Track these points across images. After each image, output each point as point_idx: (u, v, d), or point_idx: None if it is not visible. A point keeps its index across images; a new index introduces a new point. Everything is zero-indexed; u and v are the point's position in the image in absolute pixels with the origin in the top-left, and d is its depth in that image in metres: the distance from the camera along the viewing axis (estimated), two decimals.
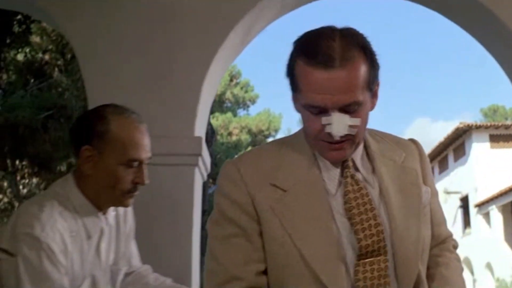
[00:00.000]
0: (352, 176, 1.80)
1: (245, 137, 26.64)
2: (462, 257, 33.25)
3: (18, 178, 13.13)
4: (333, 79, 1.64)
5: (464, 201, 34.60)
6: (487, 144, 33.63)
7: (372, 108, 1.81)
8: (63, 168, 11.67)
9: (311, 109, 1.71)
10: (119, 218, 2.44)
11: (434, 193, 1.99)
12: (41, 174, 11.67)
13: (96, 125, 2.22)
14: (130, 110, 2.34)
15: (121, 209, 2.45)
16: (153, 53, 4.26)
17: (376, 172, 1.86)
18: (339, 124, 1.67)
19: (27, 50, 11.29)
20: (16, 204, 14.07)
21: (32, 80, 11.41)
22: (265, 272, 1.80)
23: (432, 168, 39.50)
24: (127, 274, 2.60)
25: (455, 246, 2.06)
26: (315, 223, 1.74)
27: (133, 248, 2.63)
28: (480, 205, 32.19)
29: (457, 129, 33.17)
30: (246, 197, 1.79)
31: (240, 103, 29.40)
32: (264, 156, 1.88)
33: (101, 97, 4.11)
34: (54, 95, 10.11)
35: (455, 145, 35.74)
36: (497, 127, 33.10)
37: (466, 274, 34.97)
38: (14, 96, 10.19)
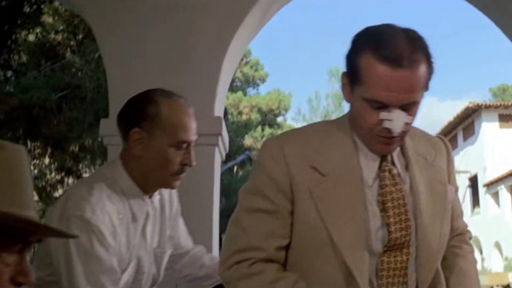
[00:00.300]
0: (390, 171, 1.89)
1: (255, 116, 26.63)
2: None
3: (30, 159, 13.16)
4: (400, 78, 1.71)
5: (473, 181, 34.57)
6: (496, 124, 33.54)
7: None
8: (75, 148, 11.72)
9: (373, 103, 1.77)
10: (164, 202, 2.49)
11: (456, 189, 2.08)
12: (54, 155, 11.72)
13: (147, 108, 2.27)
14: (177, 94, 2.39)
15: (165, 193, 2.50)
16: (173, 35, 4.29)
17: (409, 168, 1.94)
18: (398, 121, 1.75)
19: (39, 30, 11.29)
20: None
21: (44, 61, 11.42)
22: (286, 248, 1.89)
23: None
24: (180, 255, 2.67)
25: (470, 238, 2.16)
26: (348, 210, 1.82)
27: (181, 228, 2.68)
28: (489, 185, 32.17)
29: (467, 109, 33.06)
30: (285, 176, 1.86)
31: (250, 82, 29.35)
32: (308, 137, 1.93)
33: (120, 79, 4.17)
34: (68, 76, 10.12)
35: (464, 125, 35.64)
36: (506, 107, 32.97)
37: (475, 253, 35.35)
38: (27, 77, 10.22)
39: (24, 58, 11.53)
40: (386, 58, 1.71)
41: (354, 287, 1.78)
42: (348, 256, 1.79)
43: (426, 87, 1.80)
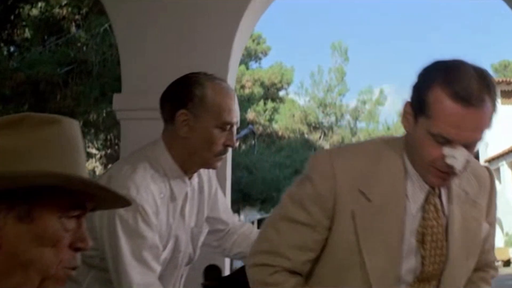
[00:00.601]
0: (435, 205, 1.91)
1: (258, 90, 26.67)
2: None
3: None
4: (469, 117, 1.73)
5: (475, 156, 34.44)
6: (498, 100, 33.51)
7: None
8: (80, 123, 11.74)
9: (439, 138, 1.77)
10: (203, 183, 2.55)
11: (493, 223, 2.09)
12: None
13: (193, 91, 2.31)
14: (219, 77, 2.46)
15: (204, 174, 2.55)
16: (185, 9, 4.29)
17: (450, 202, 1.94)
18: (461, 159, 1.75)
19: (42, 5, 11.24)
20: None
21: (48, 36, 11.38)
22: (315, 260, 1.96)
23: None
24: (229, 234, 2.74)
25: (493, 276, 2.16)
26: (386, 238, 1.86)
27: (221, 204, 2.73)
28: (490, 161, 32.30)
29: None
30: (330, 193, 1.89)
31: (252, 56, 29.33)
32: (359, 157, 1.95)
33: (132, 53, 4.19)
34: (73, 51, 10.11)
35: None
36: (508, 83, 33.02)
37: None
38: (32, 52, 10.20)
39: (27, 33, 11.50)
40: (457, 95, 1.73)
41: None
42: (376, 284, 1.84)
43: (488, 128, 1.81)
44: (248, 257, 2.07)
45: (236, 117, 2.38)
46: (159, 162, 2.33)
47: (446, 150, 1.76)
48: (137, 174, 2.23)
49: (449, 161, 1.76)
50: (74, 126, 1.33)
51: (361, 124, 46.12)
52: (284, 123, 33.63)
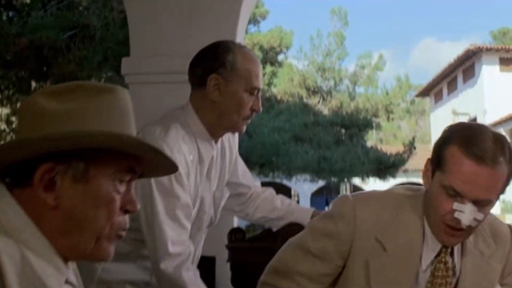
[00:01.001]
0: (445, 263, 2.00)
1: (257, 54, 26.57)
2: None
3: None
4: (481, 174, 1.83)
5: None
6: (497, 67, 33.50)
7: None
8: None
9: (450, 190, 1.88)
10: (225, 149, 2.67)
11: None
12: None
13: (224, 56, 2.42)
14: (245, 46, 2.60)
15: (226, 140, 2.67)
16: None
17: (462, 261, 2.03)
18: (469, 214, 1.84)
19: None
20: None
21: (48, 1, 11.29)
22: None
23: (441, 89, 39.59)
24: (252, 199, 2.87)
25: None
26: None
27: (241, 168, 2.86)
28: None
29: (467, 51, 32.93)
30: (348, 237, 2.01)
31: (251, 19, 29.19)
32: (382, 207, 2.06)
33: (140, 17, 4.22)
34: (76, 15, 10.06)
35: (464, 67, 35.56)
36: (507, 50, 32.86)
37: None
38: (34, 17, 10.15)
39: None
40: (472, 152, 1.83)
41: None
42: None
43: (502, 191, 1.90)
44: (265, 272, 2.21)
45: (262, 83, 2.51)
46: (188, 124, 2.43)
47: (456, 205, 1.87)
48: (170, 135, 2.33)
49: (456, 214, 1.86)
50: (126, 95, 1.40)
51: (359, 89, 46.10)
52: (282, 87, 33.62)
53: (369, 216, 2.02)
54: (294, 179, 21.69)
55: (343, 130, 21.21)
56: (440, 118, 38.92)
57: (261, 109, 2.51)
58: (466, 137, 1.88)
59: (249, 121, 2.53)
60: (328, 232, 2.06)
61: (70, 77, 9.45)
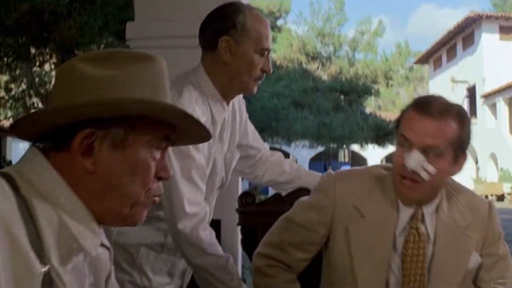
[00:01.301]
0: (417, 229, 2.11)
1: None
2: None
3: (36, 67, 13.05)
4: (426, 123, 2.01)
5: (471, 91, 34.72)
6: (497, 36, 33.41)
7: (451, 173, 2.12)
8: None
9: (401, 140, 2.07)
10: (235, 112, 2.70)
11: (502, 257, 2.21)
12: (64, 60, 11.70)
13: (235, 18, 2.44)
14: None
15: (236, 103, 2.71)
16: None
17: (437, 230, 2.14)
18: (414, 159, 2.00)
19: None
20: (32, 92, 14.06)
21: None
22: (308, 259, 2.24)
23: (440, 56, 39.50)
24: (261, 162, 2.93)
25: None
26: (376, 255, 2.10)
27: (250, 131, 2.90)
28: (487, 96, 32.36)
29: (467, 18, 32.81)
30: (330, 209, 2.17)
31: None
32: (361, 180, 2.21)
33: None
34: None
35: (464, 34, 35.44)
36: (507, 19, 32.75)
37: (470, 162, 35.52)
38: None
39: None
40: (420, 108, 2.04)
41: None
42: None
43: (454, 146, 2.03)
44: (260, 245, 2.32)
45: (271, 44, 2.54)
46: (201, 87, 2.46)
47: (405, 154, 2.03)
48: (184, 97, 2.36)
49: (403, 161, 2.02)
50: (164, 63, 1.40)
51: (359, 55, 45.96)
52: (282, 52, 33.51)
53: (348, 188, 2.18)
54: (293, 144, 21.75)
55: (342, 96, 21.21)
56: (439, 86, 38.92)
57: (271, 70, 2.52)
58: (419, 101, 2.10)
59: (260, 82, 2.56)
60: (312, 205, 2.22)
61: (71, 43, 9.42)
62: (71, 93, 1.30)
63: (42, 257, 1.17)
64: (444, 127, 2.01)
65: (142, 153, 1.32)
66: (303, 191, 2.54)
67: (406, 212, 2.12)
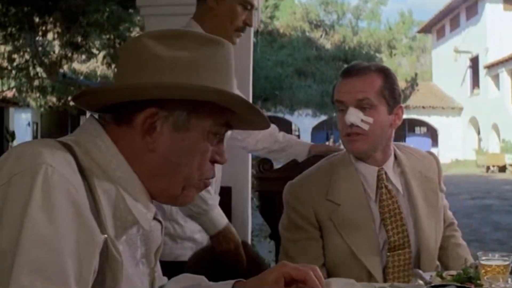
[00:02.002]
0: (386, 187, 2.32)
1: None
2: (469, 116, 33.81)
3: (39, 36, 12.96)
4: (350, 82, 2.28)
5: (474, 62, 34.58)
6: (500, 6, 33.19)
7: (392, 125, 2.33)
8: (84, 23, 11.57)
9: (338, 104, 2.31)
10: None
11: (443, 190, 2.52)
12: (70, 30, 11.65)
13: None
14: None
15: None
16: None
17: (406, 182, 2.37)
18: (351, 115, 2.24)
19: None
20: (36, 62, 13.97)
21: None
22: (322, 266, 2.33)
23: (443, 26, 39.27)
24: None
25: (457, 224, 2.60)
26: (361, 226, 2.28)
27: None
28: (489, 67, 32.24)
29: None
30: (310, 210, 2.32)
31: None
32: (319, 176, 2.38)
33: None
34: None
35: (467, 4, 35.21)
36: None
37: (472, 133, 35.32)
38: None
39: None
40: (345, 73, 2.32)
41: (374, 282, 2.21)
42: (366, 261, 2.25)
43: (384, 96, 2.27)
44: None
45: (256, 1, 2.79)
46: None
47: (344, 115, 2.26)
48: None
49: (344, 118, 2.25)
50: (232, 48, 1.41)
51: (362, 24, 45.73)
52: (285, 20, 33.30)
53: (314, 187, 2.34)
54: (296, 113, 21.75)
55: (345, 65, 21.12)
56: (442, 55, 38.78)
57: (253, 24, 2.79)
58: (344, 69, 2.38)
59: (241, 35, 2.79)
60: (296, 218, 2.33)
61: (77, 11, 9.37)
62: (139, 71, 1.31)
63: (101, 226, 1.20)
64: (368, 81, 2.26)
65: (201, 137, 1.34)
66: (318, 157, 2.58)
67: (370, 176, 2.32)
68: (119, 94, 1.31)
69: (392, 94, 2.28)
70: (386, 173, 2.32)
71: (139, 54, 1.32)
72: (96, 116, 1.39)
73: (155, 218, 1.43)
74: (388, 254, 2.28)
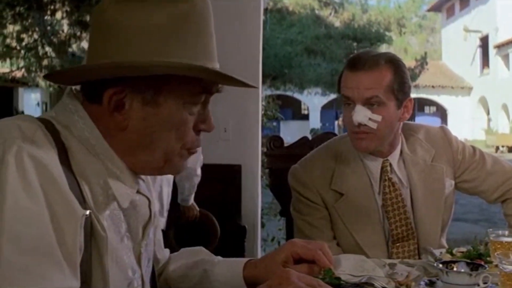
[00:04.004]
0: (390, 179, 2.29)
1: None
2: (479, 96, 33.69)
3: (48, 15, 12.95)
4: (358, 77, 2.15)
5: (484, 41, 34.36)
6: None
7: (401, 119, 2.26)
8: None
9: (345, 100, 2.21)
10: None
11: (480, 160, 2.44)
12: (80, 8, 11.64)
13: None
14: None
15: None
16: None
17: (408, 173, 2.32)
18: (359, 114, 2.15)
19: None
20: (44, 42, 13.97)
21: None
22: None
23: (453, 4, 38.97)
24: None
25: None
26: (366, 217, 2.28)
27: None
28: (499, 46, 32.04)
29: None
30: (317, 195, 2.32)
31: None
32: (325, 162, 2.35)
33: None
34: None
35: None
36: None
37: (481, 113, 35.19)
38: None
39: None
40: (350, 65, 2.19)
41: None
42: (370, 253, 2.19)
43: (393, 91, 2.17)
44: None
45: None
46: None
47: (352, 112, 2.16)
48: None
49: (351, 118, 2.16)
50: (205, 3, 1.30)
51: (372, 1, 45.51)
52: None
53: (319, 174, 2.32)
54: (305, 92, 21.72)
55: (355, 44, 21.06)
56: (451, 34, 38.53)
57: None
58: (351, 59, 2.23)
59: None
60: (305, 203, 2.34)
61: None
62: (105, 46, 1.25)
63: (82, 202, 1.18)
64: (377, 76, 2.15)
65: (175, 108, 1.28)
66: (330, 134, 2.59)
67: (375, 168, 2.29)
68: (81, 75, 1.28)
69: (401, 88, 2.18)
70: (391, 165, 2.29)
71: (101, 24, 1.26)
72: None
73: (140, 193, 1.39)
74: (392, 246, 2.28)
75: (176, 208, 3.74)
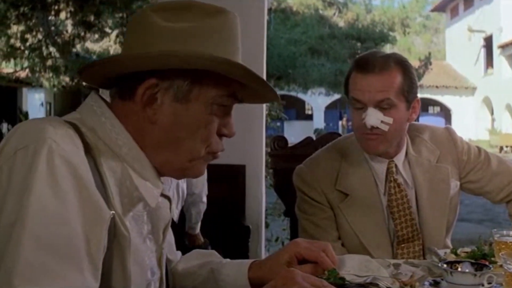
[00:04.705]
0: (395, 180, 2.28)
1: None
2: (482, 96, 33.65)
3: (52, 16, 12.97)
4: (369, 80, 2.14)
5: (488, 41, 34.30)
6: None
7: (409, 120, 2.26)
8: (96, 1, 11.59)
9: (355, 103, 2.19)
10: None
11: (485, 161, 2.43)
12: (83, 9, 11.66)
13: None
14: None
15: None
16: None
17: (413, 174, 2.31)
18: (371, 117, 2.13)
19: None
20: (49, 42, 13.98)
21: None
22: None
23: (457, 5, 38.93)
24: None
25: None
26: (370, 218, 2.28)
27: None
28: (503, 46, 31.97)
29: None
30: (322, 195, 2.32)
31: None
32: (329, 162, 2.35)
33: None
34: None
35: None
36: None
37: (485, 113, 35.16)
38: None
39: None
40: (360, 67, 2.17)
41: None
42: (375, 253, 2.19)
43: (404, 93, 2.17)
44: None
45: None
46: None
47: (362, 114, 2.15)
48: None
49: (363, 120, 2.15)
50: (237, 18, 1.37)
51: (376, 1, 45.54)
52: None
53: (324, 174, 2.32)
54: (309, 92, 21.72)
55: (359, 44, 21.07)
56: (455, 35, 38.47)
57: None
58: (359, 61, 2.21)
59: None
60: (310, 203, 2.34)
61: None
62: (141, 43, 1.29)
63: (108, 203, 1.20)
64: (388, 79, 2.14)
65: (204, 108, 1.31)
66: (335, 135, 2.59)
67: (380, 169, 2.28)
68: (117, 65, 1.29)
69: (411, 89, 2.18)
70: (396, 166, 2.29)
71: (141, 26, 1.31)
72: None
73: (163, 195, 1.41)
74: (397, 247, 2.28)
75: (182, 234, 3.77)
